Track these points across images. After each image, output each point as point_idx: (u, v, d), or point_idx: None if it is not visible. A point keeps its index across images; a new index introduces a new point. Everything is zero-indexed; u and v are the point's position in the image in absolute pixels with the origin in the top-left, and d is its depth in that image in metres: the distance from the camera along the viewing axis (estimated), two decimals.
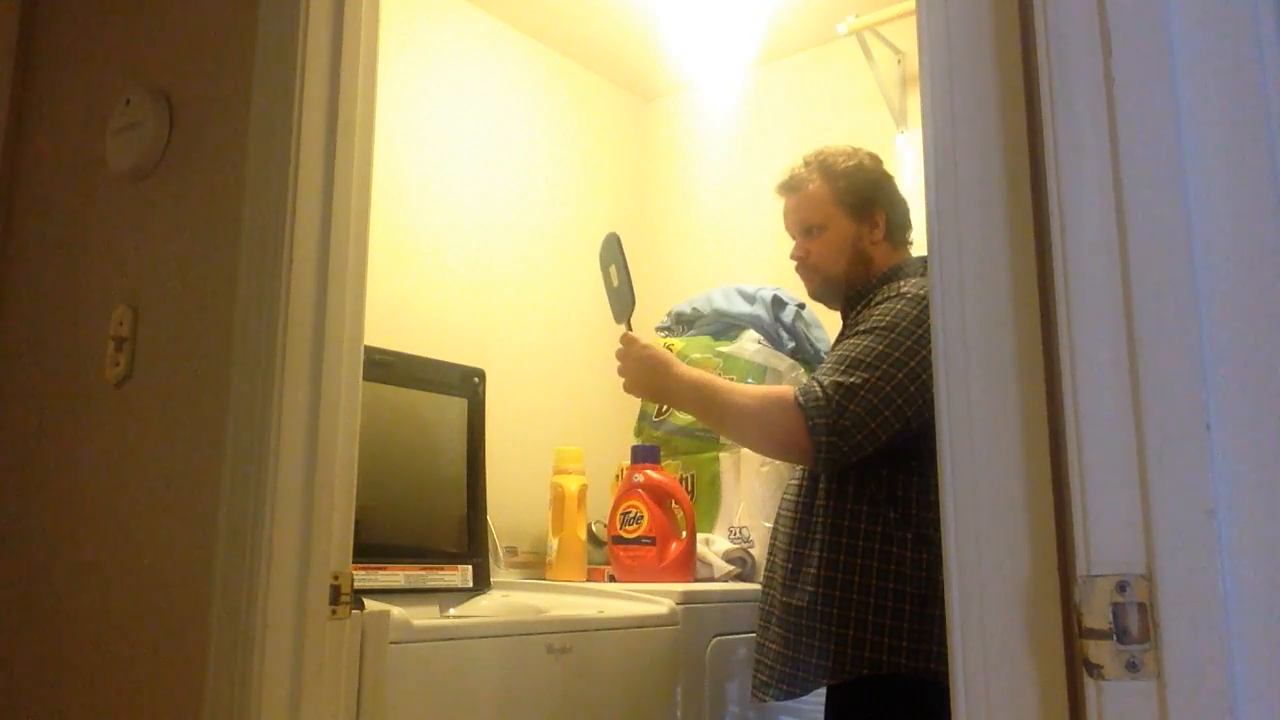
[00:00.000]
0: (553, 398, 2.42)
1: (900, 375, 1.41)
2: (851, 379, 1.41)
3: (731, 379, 2.11)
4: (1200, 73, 0.66)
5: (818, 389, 1.42)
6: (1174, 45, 0.67)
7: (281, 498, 1.18)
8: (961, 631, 0.73)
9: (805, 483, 1.57)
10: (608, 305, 1.76)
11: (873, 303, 1.55)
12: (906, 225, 1.65)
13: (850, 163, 1.64)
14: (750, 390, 1.62)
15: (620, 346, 1.66)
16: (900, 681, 1.39)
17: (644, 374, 1.62)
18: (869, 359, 1.43)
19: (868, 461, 1.44)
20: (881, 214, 1.62)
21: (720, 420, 1.62)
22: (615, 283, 1.73)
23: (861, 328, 1.50)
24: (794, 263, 1.68)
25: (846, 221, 1.62)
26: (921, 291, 1.47)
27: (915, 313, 1.45)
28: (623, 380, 1.66)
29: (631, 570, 1.96)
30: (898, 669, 1.40)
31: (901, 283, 1.54)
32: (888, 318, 1.47)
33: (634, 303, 1.70)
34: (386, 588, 1.66)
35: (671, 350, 2.22)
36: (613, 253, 1.74)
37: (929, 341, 1.38)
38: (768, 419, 1.47)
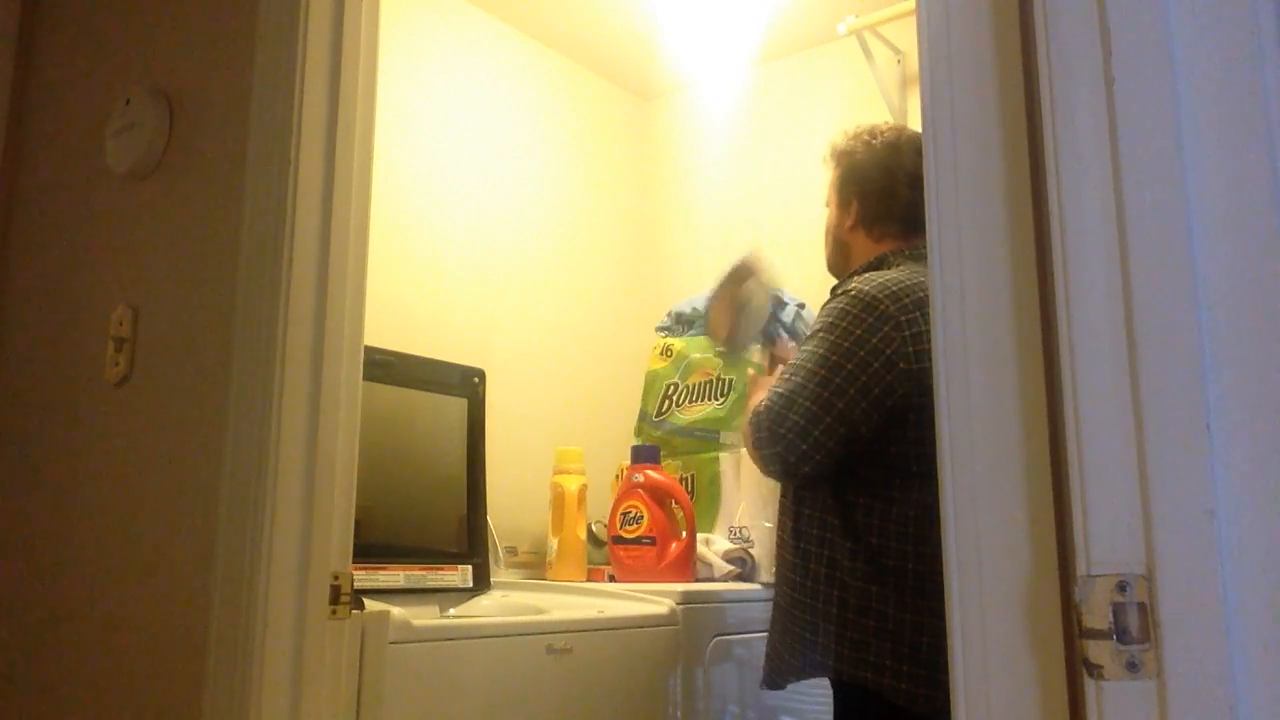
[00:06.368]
0: (553, 398, 2.42)
1: (838, 379, 1.37)
2: (788, 386, 1.40)
3: (732, 379, 2.12)
4: (1200, 73, 0.66)
5: (765, 400, 1.42)
6: (1174, 45, 0.67)
7: (281, 498, 1.18)
8: (961, 631, 0.73)
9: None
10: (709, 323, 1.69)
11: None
12: (888, 219, 1.54)
13: (851, 143, 1.59)
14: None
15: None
16: (852, 690, 1.38)
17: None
18: (808, 364, 1.40)
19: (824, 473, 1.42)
20: (855, 202, 1.56)
21: None
22: (753, 302, 1.63)
23: (809, 330, 1.49)
24: None
25: (834, 206, 1.60)
26: (867, 287, 1.42)
27: (855, 310, 1.40)
28: None
29: (631, 570, 1.96)
30: (841, 676, 1.39)
31: (855, 279, 1.48)
32: (829, 318, 1.44)
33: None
34: (386, 588, 1.66)
35: (671, 351, 2.23)
36: (750, 275, 1.65)
37: (870, 340, 1.38)
38: (745, 436, 1.49)
